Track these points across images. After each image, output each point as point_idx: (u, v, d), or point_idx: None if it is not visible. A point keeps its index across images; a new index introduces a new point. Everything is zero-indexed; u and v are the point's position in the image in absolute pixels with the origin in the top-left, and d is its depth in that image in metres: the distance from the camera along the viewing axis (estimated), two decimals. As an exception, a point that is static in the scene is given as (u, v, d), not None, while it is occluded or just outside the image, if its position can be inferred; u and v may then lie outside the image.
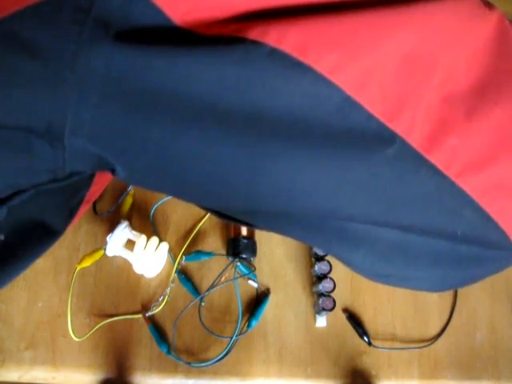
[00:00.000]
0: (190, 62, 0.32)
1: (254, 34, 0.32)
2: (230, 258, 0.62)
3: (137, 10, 0.32)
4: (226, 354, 0.59)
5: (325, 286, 0.61)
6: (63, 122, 0.33)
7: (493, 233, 0.38)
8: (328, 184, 0.35)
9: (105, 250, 0.61)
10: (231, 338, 0.60)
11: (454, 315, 0.64)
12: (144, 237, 0.61)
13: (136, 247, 0.60)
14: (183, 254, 0.63)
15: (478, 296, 0.66)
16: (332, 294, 0.61)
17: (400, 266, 0.42)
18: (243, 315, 0.61)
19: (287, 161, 0.34)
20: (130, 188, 0.65)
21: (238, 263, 0.62)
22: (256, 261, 0.64)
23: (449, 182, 0.36)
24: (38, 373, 0.59)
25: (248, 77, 0.32)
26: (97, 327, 0.60)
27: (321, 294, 0.61)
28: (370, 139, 0.34)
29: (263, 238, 0.65)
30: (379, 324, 0.63)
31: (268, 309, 0.62)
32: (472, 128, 0.36)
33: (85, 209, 0.46)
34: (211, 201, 0.42)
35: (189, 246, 0.64)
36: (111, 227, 0.62)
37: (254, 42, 0.32)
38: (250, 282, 0.63)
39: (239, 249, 0.62)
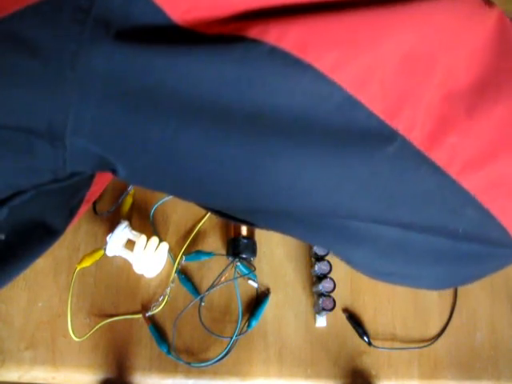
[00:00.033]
0: (190, 61, 0.32)
1: (254, 32, 0.32)
2: (230, 258, 0.62)
3: (137, 9, 0.32)
4: (225, 354, 0.59)
5: (325, 286, 0.61)
6: (64, 122, 0.33)
7: (494, 230, 0.38)
8: (328, 182, 0.35)
9: (105, 249, 0.61)
10: (231, 338, 0.60)
11: (454, 315, 0.64)
12: (144, 237, 0.61)
13: (136, 247, 0.60)
14: (183, 253, 0.63)
15: (477, 296, 0.66)
16: (332, 294, 0.61)
17: (401, 263, 0.42)
18: (243, 315, 0.61)
19: (287, 159, 0.34)
20: (130, 188, 0.65)
21: (238, 263, 0.62)
22: (256, 261, 0.64)
23: (449, 180, 0.36)
24: (38, 373, 0.59)
25: (248, 75, 0.32)
26: (97, 327, 0.60)
27: (321, 294, 0.61)
28: (371, 137, 0.34)
29: (263, 237, 0.65)
30: (379, 324, 0.63)
31: (268, 309, 0.62)
32: (472, 126, 0.36)
33: (85, 209, 0.46)
34: (211, 200, 0.42)
35: (189, 245, 0.64)
36: (111, 227, 0.62)
37: (254, 41, 0.32)
38: (250, 282, 0.63)
39: (239, 249, 0.62)
